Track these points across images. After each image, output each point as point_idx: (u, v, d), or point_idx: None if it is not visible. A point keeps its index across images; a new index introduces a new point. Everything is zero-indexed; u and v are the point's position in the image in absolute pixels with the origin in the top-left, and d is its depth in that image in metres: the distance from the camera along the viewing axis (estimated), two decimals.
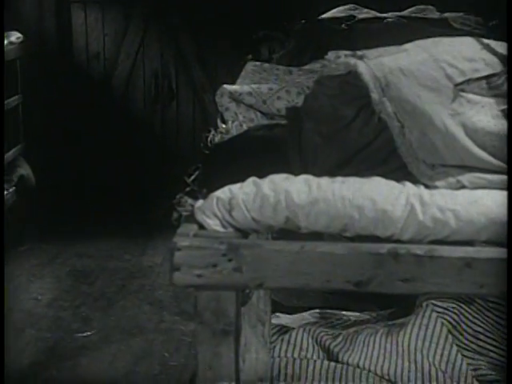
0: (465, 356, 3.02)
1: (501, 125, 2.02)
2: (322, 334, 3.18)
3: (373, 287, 1.83)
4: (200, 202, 1.98)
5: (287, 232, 1.98)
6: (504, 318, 3.15)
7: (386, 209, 1.92)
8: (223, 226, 1.95)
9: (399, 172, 2.06)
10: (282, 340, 3.13)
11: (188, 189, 2.10)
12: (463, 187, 2.01)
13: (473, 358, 3.04)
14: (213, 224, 1.94)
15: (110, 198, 6.18)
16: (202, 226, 1.96)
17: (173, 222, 2.01)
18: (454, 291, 1.87)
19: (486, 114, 2.03)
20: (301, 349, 3.09)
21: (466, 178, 2.02)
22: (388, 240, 1.92)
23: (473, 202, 1.94)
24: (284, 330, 3.26)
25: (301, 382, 2.88)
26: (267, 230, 1.97)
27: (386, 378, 2.90)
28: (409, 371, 2.93)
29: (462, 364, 2.98)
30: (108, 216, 5.97)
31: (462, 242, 1.92)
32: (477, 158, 2.01)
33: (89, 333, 4.27)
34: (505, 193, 1.97)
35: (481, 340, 3.10)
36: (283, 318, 3.45)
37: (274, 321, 3.19)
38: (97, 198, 6.20)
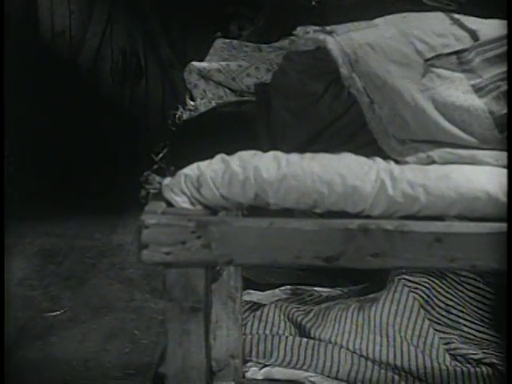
0: (437, 330, 3.04)
1: (471, 100, 2.01)
2: (294, 310, 3.18)
3: (343, 262, 1.83)
4: (168, 180, 1.96)
5: (257, 209, 1.97)
6: (476, 292, 3.16)
7: (356, 184, 1.90)
8: (191, 204, 1.93)
9: (369, 147, 2.05)
10: (254, 317, 3.13)
11: (156, 166, 2.08)
12: (433, 162, 2.01)
13: (445, 332, 3.05)
14: (181, 201, 1.93)
15: (79, 177, 6.14)
16: (170, 204, 1.94)
17: (140, 199, 1.99)
18: (424, 266, 1.86)
19: (456, 89, 2.02)
20: (272, 325, 3.09)
21: (436, 153, 2.01)
22: (358, 216, 1.91)
23: (443, 177, 1.94)
24: (255, 306, 3.26)
25: (273, 358, 2.88)
26: (236, 207, 1.96)
27: (358, 352, 2.91)
28: (381, 346, 2.94)
29: (433, 338, 3.00)
30: (77, 194, 5.93)
31: (433, 217, 1.92)
32: (447, 133, 2.01)
33: (59, 312, 4.24)
34: (475, 167, 1.97)
35: (453, 314, 3.12)
36: (255, 295, 3.45)
37: (245, 298, 3.19)
38: (65, 176, 6.15)
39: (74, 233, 5.35)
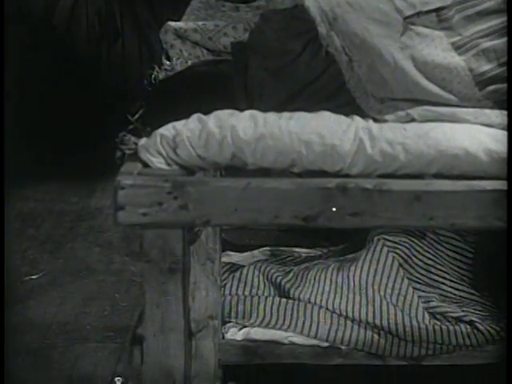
0: (416, 289, 3.04)
1: (450, 57, 2.00)
2: (273, 270, 3.17)
3: (321, 222, 1.82)
4: (143, 140, 1.94)
5: (235, 170, 1.95)
6: (456, 251, 3.17)
7: (335, 143, 1.89)
8: (168, 164, 1.91)
9: (348, 106, 2.04)
10: (233, 278, 3.12)
11: (131, 127, 2.05)
12: (413, 120, 2.00)
13: (424, 291, 3.06)
14: (157, 162, 1.91)
15: (56, 139, 6.08)
16: (146, 165, 1.92)
17: (116, 160, 1.97)
18: (403, 224, 1.86)
19: (435, 47, 2.01)
20: (252, 286, 3.09)
21: (415, 111, 2.00)
22: (337, 175, 1.90)
23: (422, 135, 1.93)
24: (234, 267, 3.25)
25: (252, 319, 2.87)
26: (213, 167, 1.94)
27: (338, 312, 2.91)
28: (360, 305, 2.94)
29: (413, 297, 3.00)
30: (54, 158, 5.88)
31: (412, 176, 1.91)
32: (426, 90, 1.99)
33: (37, 275, 4.23)
34: (454, 125, 1.96)
35: (432, 273, 3.12)
36: (234, 256, 3.44)
37: (224, 259, 3.17)
38: (42, 139, 6.09)
39: (52, 197, 5.31)
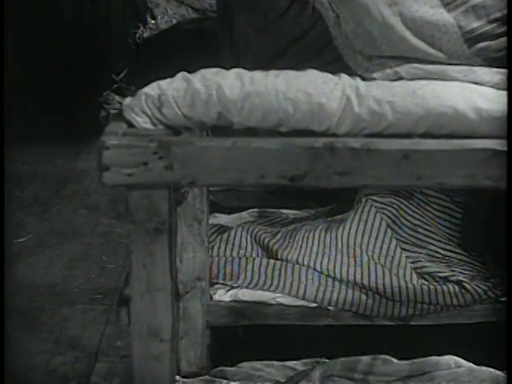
0: (404, 249, 3.04)
1: (439, 14, 1.97)
2: (261, 232, 3.16)
3: (308, 181, 1.80)
4: (128, 100, 1.91)
5: (221, 130, 1.93)
6: (444, 211, 3.16)
7: (322, 102, 1.86)
8: (153, 124, 1.88)
9: (335, 64, 2.01)
10: (221, 239, 3.11)
11: (116, 86, 2.02)
12: (401, 78, 1.97)
13: (412, 251, 3.06)
14: (142, 122, 1.88)
15: (41, 101, 6.02)
16: (131, 124, 1.89)
17: (100, 120, 1.94)
18: (391, 184, 1.84)
19: (424, 4, 1.98)
20: (239, 247, 3.08)
21: (403, 68, 1.97)
22: (324, 134, 1.87)
23: (410, 93, 1.90)
24: (222, 229, 3.24)
25: (240, 280, 2.87)
26: (199, 126, 1.92)
27: (325, 273, 2.90)
28: (348, 266, 2.94)
29: (401, 257, 3.00)
30: (39, 120, 5.83)
31: (400, 135, 1.89)
32: (415, 48, 1.97)
33: (24, 238, 4.21)
34: (443, 83, 1.93)
35: (420, 233, 3.12)
36: (221, 218, 3.42)
37: (212, 221, 3.16)
38: (27, 101, 6.04)
39: (37, 159, 5.28)
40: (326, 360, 2.73)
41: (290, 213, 3.52)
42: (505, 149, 1.79)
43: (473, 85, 1.92)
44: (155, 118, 1.88)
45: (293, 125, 1.88)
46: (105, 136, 1.82)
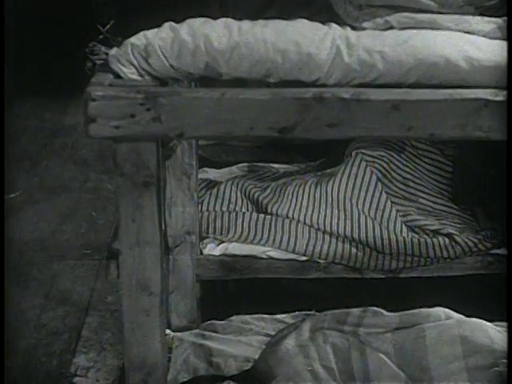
0: (394, 203, 3.04)
1: None
2: (251, 186, 3.15)
3: (298, 133, 1.77)
4: (114, 50, 1.87)
5: (209, 81, 1.89)
6: (434, 164, 3.15)
7: (311, 52, 1.83)
8: (140, 75, 1.85)
9: (325, 14, 1.97)
10: (210, 194, 3.10)
11: (102, 36, 1.98)
12: (391, 28, 1.94)
13: (402, 205, 3.05)
14: (129, 72, 1.84)
15: (28, 55, 5.95)
16: (117, 75, 1.85)
17: (86, 71, 1.90)
18: (381, 134, 1.82)
19: None
20: (229, 202, 3.07)
21: (394, 17, 1.94)
22: (313, 84, 1.84)
23: (401, 43, 1.87)
24: (212, 184, 3.22)
25: (230, 234, 2.86)
26: (187, 77, 1.88)
27: (316, 226, 2.90)
28: (338, 219, 2.94)
29: (391, 211, 3.00)
30: (26, 73, 5.76)
31: (390, 85, 1.86)
32: None
33: (13, 195, 4.19)
34: (434, 32, 1.90)
35: (410, 187, 3.11)
36: (211, 173, 3.41)
37: (201, 175, 3.14)
38: (13, 55, 5.97)
39: (25, 113, 5.23)
40: (316, 313, 2.74)
41: (279, 167, 3.50)
42: (496, 98, 1.77)
43: (464, 34, 1.89)
44: (142, 68, 1.84)
45: (281, 75, 1.85)
46: (90, 87, 1.78)
